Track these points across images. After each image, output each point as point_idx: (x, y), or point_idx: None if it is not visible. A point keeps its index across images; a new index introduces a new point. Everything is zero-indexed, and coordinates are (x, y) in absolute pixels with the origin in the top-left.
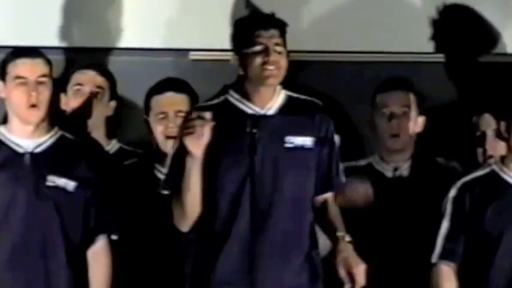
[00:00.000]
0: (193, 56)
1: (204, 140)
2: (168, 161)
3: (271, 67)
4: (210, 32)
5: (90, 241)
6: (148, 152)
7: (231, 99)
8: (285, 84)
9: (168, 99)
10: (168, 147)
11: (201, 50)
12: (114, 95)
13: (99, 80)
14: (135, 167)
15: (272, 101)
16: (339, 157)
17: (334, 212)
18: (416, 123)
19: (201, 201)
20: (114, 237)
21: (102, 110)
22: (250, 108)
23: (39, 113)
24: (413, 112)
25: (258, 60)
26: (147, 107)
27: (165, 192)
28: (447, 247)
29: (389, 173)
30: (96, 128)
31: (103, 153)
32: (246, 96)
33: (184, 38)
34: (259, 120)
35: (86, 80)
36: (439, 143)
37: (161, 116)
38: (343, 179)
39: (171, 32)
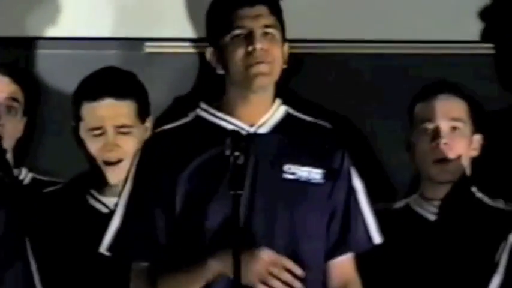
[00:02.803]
0: (149, 47)
1: None
2: (118, 212)
3: (258, 60)
4: (170, 17)
5: None
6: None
7: (203, 114)
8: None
9: (106, 109)
10: (112, 176)
11: (159, 39)
12: (28, 109)
13: (15, 89)
14: (59, 195)
15: (266, 115)
16: (364, 204)
17: None
18: (472, 143)
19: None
20: None
21: (14, 131)
22: (233, 125)
23: None
24: (468, 128)
25: (240, 51)
26: (77, 114)
27: (106, 253)
28: None
29: (431, 215)
30: None
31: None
32: (227, 108)
33: (137, 26)
34: (246, 139)
35: None
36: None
37: (96, 132)
38: (376, 238)
39: (121, 18)
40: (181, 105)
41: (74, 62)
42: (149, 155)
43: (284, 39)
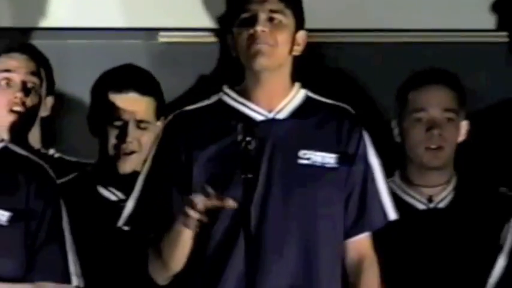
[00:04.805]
0: (163, 37)
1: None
2: (137, 187)
3: (258, 41)
4: (184, 7)
5: None
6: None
7: (226, 99)
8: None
9: (130, 102)
10: (124, 166)
11: (173, 29)
12: (51, 89)
13: (33, 66)
14: (73, 185)
15: (284, 100)
16: (381, 182)
17: (368, 281)
18: (460, 130)
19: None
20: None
21: (36, 108)
22: (252, 110)
23: None
24: (458, 117)
25: (244, 33)
26: (97, 104)
27: (125, 228)
28: None
29: (420, 204)
30: (30, 133)
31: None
32: (246, 93)
33: (152, 16)
34: (263, 125)
35: (16, 65)
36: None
37: (117, 123)
38: (391, 214)
39: (136, 8)
40: (194, 92)
41: (92, 51)
42: (169, 135)
43: (299, 27)
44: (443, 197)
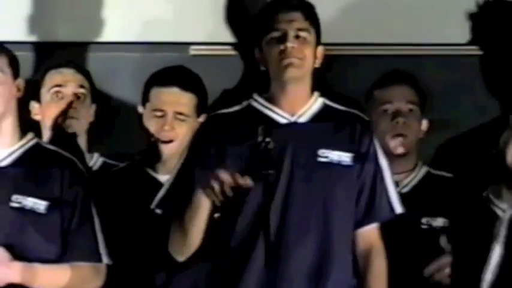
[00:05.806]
0: (194, 50)
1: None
2: (171, 176)
3: (289, 56)
4: (213, 23)
5: None
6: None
7: (254, 104)
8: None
9: (172, 95)
10: (162, 150)
11: (203, 43)
12: (94, 97)
13: (80, 78)
14: (125, 173)
15: (305, 106)
16: (388, 180)
17: (376, 272)
18: (421, 124)
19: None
20: (105, 261)
21: (85, 116)
22: (277, 114)
23: None
24: (419, 111)
25: (275, 49)
26: (145, 97)
27: (157, 211)
28: (502, 279)
29: None
30: (78, 138)
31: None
32: (272, 99)
33: (183, 31)
34: (288, 127)
35: (66, 79)
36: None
37: (158, 113)
38: (397, 208)
39: (169, 24)
40: (221, 99)
41: (130, 63)
42: (203, 134)
43: (319, 42)
44: (406, 183)
